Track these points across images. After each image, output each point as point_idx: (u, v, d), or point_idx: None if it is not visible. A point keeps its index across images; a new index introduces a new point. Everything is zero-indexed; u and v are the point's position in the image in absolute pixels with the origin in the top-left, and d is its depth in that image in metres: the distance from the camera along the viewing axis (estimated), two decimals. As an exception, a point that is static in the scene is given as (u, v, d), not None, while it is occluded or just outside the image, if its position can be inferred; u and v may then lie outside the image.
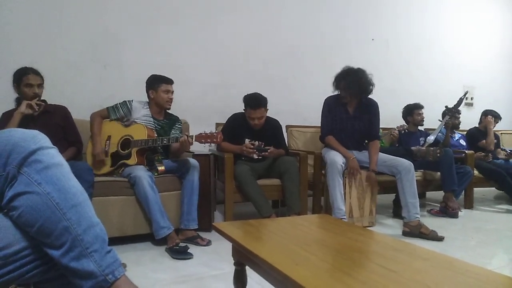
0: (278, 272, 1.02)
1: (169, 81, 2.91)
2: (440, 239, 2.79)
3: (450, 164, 3.58)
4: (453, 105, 3.87)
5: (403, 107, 4.12)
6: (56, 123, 2.68)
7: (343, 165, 2.99)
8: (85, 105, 3.22)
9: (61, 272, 0.95)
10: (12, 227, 0.89)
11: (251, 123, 3.14)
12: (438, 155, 3.35)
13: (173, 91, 2.92)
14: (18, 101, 2.61)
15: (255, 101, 3.08)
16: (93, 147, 2.78)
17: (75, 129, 2.82)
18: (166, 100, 2.88)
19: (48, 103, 2.71)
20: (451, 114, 3.83)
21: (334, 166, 2.93)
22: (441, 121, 3.92)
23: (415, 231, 2.86)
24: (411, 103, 4.07)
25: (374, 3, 4.98)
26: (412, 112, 4.03)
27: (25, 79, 2.54)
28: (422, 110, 4.02)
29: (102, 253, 0.94)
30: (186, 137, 2.55)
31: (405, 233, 2.93)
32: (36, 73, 2.60)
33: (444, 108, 4.06)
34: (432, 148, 3.40)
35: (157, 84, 2.88)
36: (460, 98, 3.86)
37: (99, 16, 3.55)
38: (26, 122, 2.46)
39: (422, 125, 4.05)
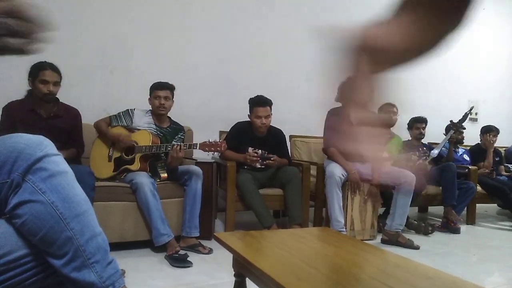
0: (279, 286, 1.01)
1: (160, 87, 2.86)
2: (416, 247, 2.91)
3: (452, 178, 3.58)
4: (458, 120, 3.85)
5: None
6: (63, 128, 2.62)
7: (343, 177, 2.99)
8: (90, 109, 3.23)
9: (61, 279, 0.94)
10: (14, 234, 0.89)
11: (257, 124, 3.13)
12: (430, 232, 3.34)
13: (166, 97, 2.86)
14: (29, 94, 2.53)
15: (262, 99, 3.15)
16: (116, 138, 2.76)
17: (80, 133, 2.79)
18: (157, 105, 2.85)
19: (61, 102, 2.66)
20: (456, 129, 3.81)
21: (333, 178, 2.95)
22: (445, 135, 3.90)
23: (393, 240, 2.99)
24: (417, 116, 4.04)
25: (379, 14, 4.99)
26: (412, 125, 4.01)
27: (41, 74, 2.43)
28: (424, 124, 3.94)
29: (103, 264, 0.94)
30: (177, 145, 2.58)
31: (383, 241, 3.05)
32: (55, 69, 2.50)
33: (449, 123, 4.05)
34: (423, 225, 3.37)
35: (151, 91, 2.90)
36: (466, 113, 3.84)
37: (107, 21, 3.57)
38: (32, 123, 2.45)
39: (421, 139, 4.01)
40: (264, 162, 3.00)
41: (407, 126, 4.06)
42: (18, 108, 2.47)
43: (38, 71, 2.44)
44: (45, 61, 2.48)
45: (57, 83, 2.51)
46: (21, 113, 2.47)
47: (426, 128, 3.99)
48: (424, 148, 3.66)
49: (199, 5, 3.96)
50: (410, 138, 4.01)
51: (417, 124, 3.96)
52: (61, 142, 2.52)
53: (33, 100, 2.53)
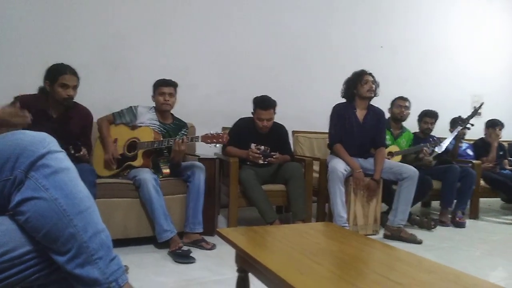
0: (282, 281, 1.01)
1: (165, 83, 2.87)
2: (419, 242, 2.91)
3: (453, 181, 3.61)
4: (467, 116, 3.81)
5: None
6: (72, 130, 2.53)
7: (345, 172, 2.99)
8: (94, 107, 3.22)
9: (64, 275, 0.95)
10: (18, 230, 0.89)
11: (259, 125, 3.13)
12: (433, 227, 3.35)
13: (170, 93, 2.87)
14: (42, 91, 2.44)
15: (265, 102, 3.11)
16: (106, 150, 2.77)
17: (89, 135, 2.72)
18: (161, 102, 2.85)
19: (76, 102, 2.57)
20: (464, 125, 3.76)
21: (335, 174, 2.95)
22: (450, 129, 3.85)
23: (396, 235, 2.99)
24: (428, 108, 3.98)
25: (383, 10, 4.97)
26: (421, 119, 3.98)
27: (61, 79, 2.36)
28: (434, 120, 3.91)
29: (106, 261, 0.94)
30: (179, 139, 2.59)
31: (386, 236, 3.04)
32: (74, 73, 2.43)
33: (454, 117, 4.03)
34: (426, 220, 3.37)
35: (155, 88, 2.90)
36: (475, 109, 3.81)
37: (110, 19, 3.57)
38: (41, 124, 2.40)
39: (427, 133, 3.98)
40: (267, 159, 3.00)
41: (417, 117, 4.03)
42: (29, 105, 2.29)
43: (57, 75, 2.37)
44: (63, 64, 2.42)
45: (75, 87, 2.44)
46: (31, 111, 2.40)
47: (435, 124, 3.95)
48: (435, 138, 3.63)
49: (200, 3, 3.95)
50: (417, 130, 3.99)
51: (427, 118, 3.92)
52: (67, 145, 2.36)
53: (46, 101, 2.44)
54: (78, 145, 2.40)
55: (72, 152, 2.33)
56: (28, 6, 3.26)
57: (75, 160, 2.32)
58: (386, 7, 5.00)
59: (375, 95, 3.19)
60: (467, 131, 4.11)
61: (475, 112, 3.80)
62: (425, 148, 3.58)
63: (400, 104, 3.67)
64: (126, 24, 3.64)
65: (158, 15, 3.77)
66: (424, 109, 4.01)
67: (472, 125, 3.80)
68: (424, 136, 3.96)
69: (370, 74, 3.18)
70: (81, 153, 2.40)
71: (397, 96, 3.72)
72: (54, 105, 2.46)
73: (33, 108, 2.33)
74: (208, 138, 2.56)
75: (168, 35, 3.83)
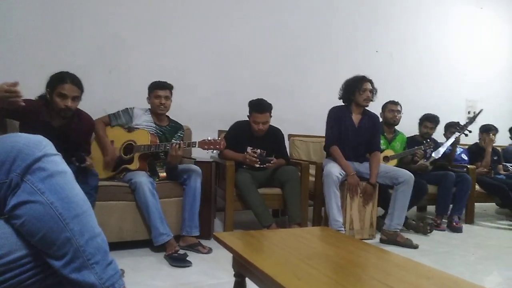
0: (278, 285, 1.01)
1: (160, 86, 2.87)
2: (415, 247, 2.92)
3: (450, 188, 3.63)
4: (465, 122, 3.83)
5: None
6: (75, 140, 2.42)
7: (340, 176, 3.00)
8: (90, 109, 3.21)
9: (60, 280, 0.94)
10: (13, 234, 0.88)
11: (254, 128, 3.14)
12: (429, 231, 3.36)
13: (166, 96, 2.87)
14: (43, 99, 2.31)
15: (261, 105, 3.11)
16: (105, 151, 2.74)
17: (89, 142, 2.67)
18: (157, 105, 2.85)
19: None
20: (462, 131, 3.78)
21: (330, 178, 2.95)
22: (449, 137, 3.86)
23: (392, 239, 2.99)
24: (430, 113, 3.99)
25: (380, 15, 4.99)
26: (422, 122, 3.98)
27: (60, 88, 2.22)
28: (434, 125, 3.91)
29: (103, 265, 0.93)
30: (176, 144, 2.59)
31: (382, 241, 3.05)
32: (75, 83, 2.28)
33: (447, 122, 4.03)
34: (422, 224, 3.38)
35: (150, 90, 2.90)
36: (474, 115, 3.83)
37: (107, 21, 3.56)
38: (41, 133, 2.34)
39: (426, 137, 3.98)
40: (263, 164, 3.00)
41: (418, 121, 4.04)
42: (31, 112, 2.25)
43: (57, 83, 2.23)
44: (67, 72, 2.28)
45: (76, 98, 2.29)
46: (32, 119, 2.28)
47: (435, 129, 3.95)
48: (429, 141, 3.64)
49: (199, 4, 3.95)
50: (417, 133, 4.01)
51: (427, 122, 3.92)
52: (71, 156, 2.27)
53: (47, 109, 2.31)
54: (82, 156, 2.29)
55: (77, 164, 2.24)
56: (27, 6, 3.25)
57: (82, 171, 2.25)
58: (384, 9, 5.02)
59: (371, 101, 3.21)
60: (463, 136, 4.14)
61: (473, 119, 3.81)
62: (418, 151, 3.59)
63: (392, 108, 3.69)
64: (125, 25, 3.63)
65: (157, 16, 3.77)
66: (423, 113, 4.02)
67: (470, 131, 3.81)
68: (422, 140, 3.98)
69: (370, 81, 3.19)
70: (87, 163, 2.29)
71: (387, 101, 3.73)
72: (55, 115, 2.33)
73: (35, 117, 2.28)
74: (205, 144, 2.56)
75: (166, 37, 3.82)
